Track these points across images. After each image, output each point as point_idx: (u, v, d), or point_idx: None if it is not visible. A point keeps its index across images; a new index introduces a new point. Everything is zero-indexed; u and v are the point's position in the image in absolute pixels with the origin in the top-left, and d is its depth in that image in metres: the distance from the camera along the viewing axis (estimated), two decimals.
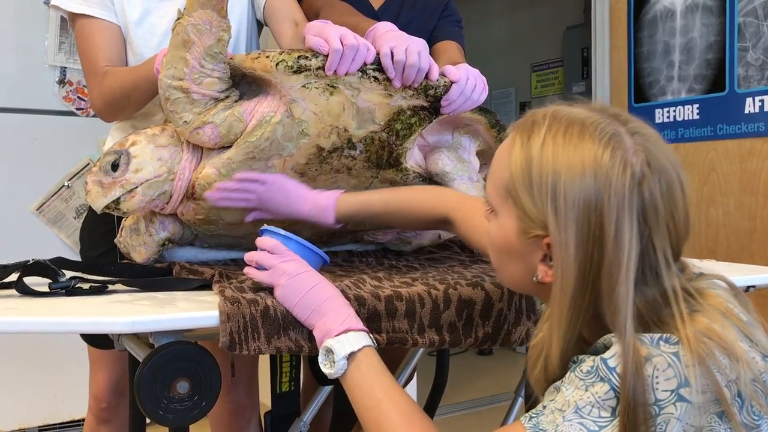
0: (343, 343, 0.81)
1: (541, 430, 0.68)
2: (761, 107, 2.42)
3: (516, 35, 4.51)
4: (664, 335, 0.68)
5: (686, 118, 2.65)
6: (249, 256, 0.92)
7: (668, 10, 2.74)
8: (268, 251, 0.91)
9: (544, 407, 0.70)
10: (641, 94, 2.86)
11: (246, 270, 0.92)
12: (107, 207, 1.08)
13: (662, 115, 2.73)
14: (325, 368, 0.82)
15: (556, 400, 0.69)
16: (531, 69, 4.39)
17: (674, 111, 2.69)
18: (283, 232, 0.92)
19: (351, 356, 0.81)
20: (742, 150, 2.47)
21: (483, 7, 4.54)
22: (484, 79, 1.17)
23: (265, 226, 0.94)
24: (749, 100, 2.44)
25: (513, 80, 4.37)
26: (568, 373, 0.70)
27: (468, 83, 1.12)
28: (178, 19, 1.02)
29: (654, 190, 0.70)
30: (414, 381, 2.34)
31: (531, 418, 0.69)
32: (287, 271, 0.87)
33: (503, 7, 4.57)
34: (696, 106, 2.61)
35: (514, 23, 4.53)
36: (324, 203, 1.09)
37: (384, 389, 0.79)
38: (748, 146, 2.45)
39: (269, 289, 0.90)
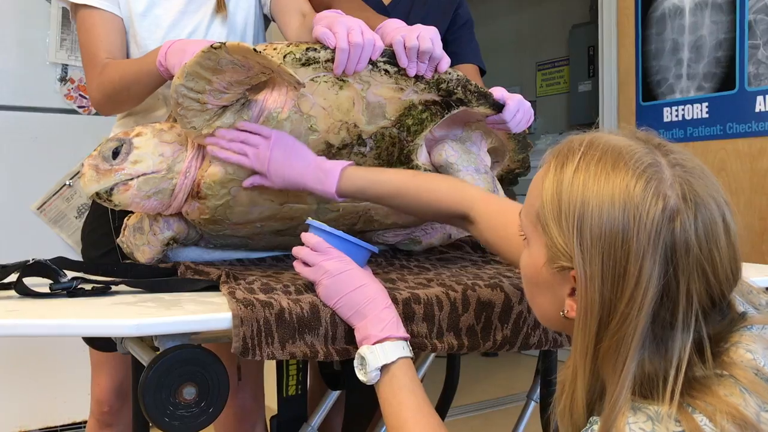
0: (377, 354, 0.81)
1: None
2: None
3: (521, 33, 4.48)
4: (663, 411, 0.62)
5: (695, 117, 2.62)
6: (296, 251, 0.91)
7: (677, 7, 2.71)
8: (312, 249, 0.90)
9: None
10: (649, 93, 2.83)
11: (294, 263, 0.92)
12: (99, 196, 1.05)
13: (671, 113, 2.70)
14: (360, 375, 0.82)
15: None
16: (536, 67, 4.36)
17: (683, 110, 2.66)
18: (327, 227, 0.91)
19: (384, 368, 0.81)
20: (752, 149, 2.44)
21: (489, 5, 4.51)
22: (532, 113, 1.22)
23: (310, 220, 0.93)
24: (760, 98, 2.42)
25: (518, 79, 4.34)
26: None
27: (517, 115, 1.17)
28: (215, 47, 0.92)
29: (687, 227, 0.64)
30: None
31: None
32: (329, 270, 0.87)
33: (509, 5, 4.55)
34: (705, 104, 2.58)
35: (520, 21, 4.50)
36: (328, 167, 1.00)
37: (412, 409, 0.78)
38: (758, 145, 2.42)
39: (281, 290, 0.88)
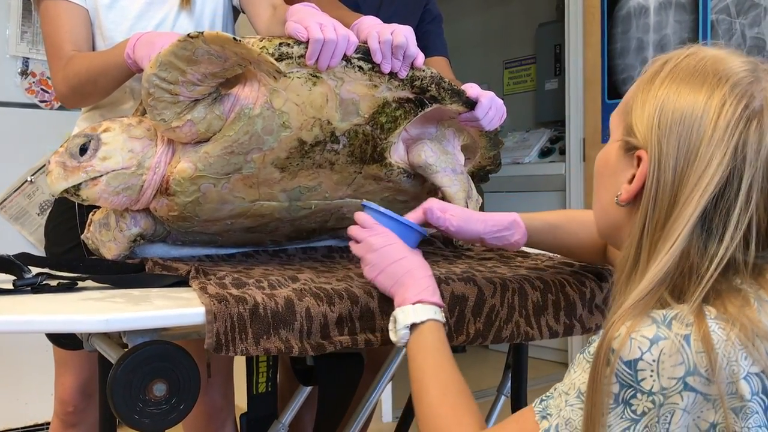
0: (408, 313, 0.83)
1: (548, 414, 0.67)
2: None
3: (488, 32, 4.51)
4: (678, 314, 0.63)
5: None
6: (350, 229, 0.95)
7: (642, 6, 2.75)
8: (360, 226, 0.93)
9: (555, 389, 0.69)
10: (615, 91, 2.87)
11: (349, 243, 0.95)
12: (66, 191, 1.03)
13: None
14: (391, 334, 0.85)
15: (564, 381, 0.68)
16: (503, 65, 4.39)
17: None
18: (381, 208, 0.93)
19: (413, 327, 0.83)
20: None
21: (456, 3, 4.53)
22: (504, 110, 1.21)
23: (365, 202, 0.96)
24: None
25: (485, 77, 4.37)
26: (578, 353, 0.68)
27: (489, 113, 1.16)
28: (192, 36, 0.90)
29: (764, 129, 0.66)
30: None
31: (542, 400, 0.69)
32: (373, 245, 0.90)
33: (476, 4, 4.57)
34: None
35: (487, 20, 4.53)
36: (507, 219, 1.01)
37: (432, 366, 0.80)
38: None
39: (254, 285, 0.87)
